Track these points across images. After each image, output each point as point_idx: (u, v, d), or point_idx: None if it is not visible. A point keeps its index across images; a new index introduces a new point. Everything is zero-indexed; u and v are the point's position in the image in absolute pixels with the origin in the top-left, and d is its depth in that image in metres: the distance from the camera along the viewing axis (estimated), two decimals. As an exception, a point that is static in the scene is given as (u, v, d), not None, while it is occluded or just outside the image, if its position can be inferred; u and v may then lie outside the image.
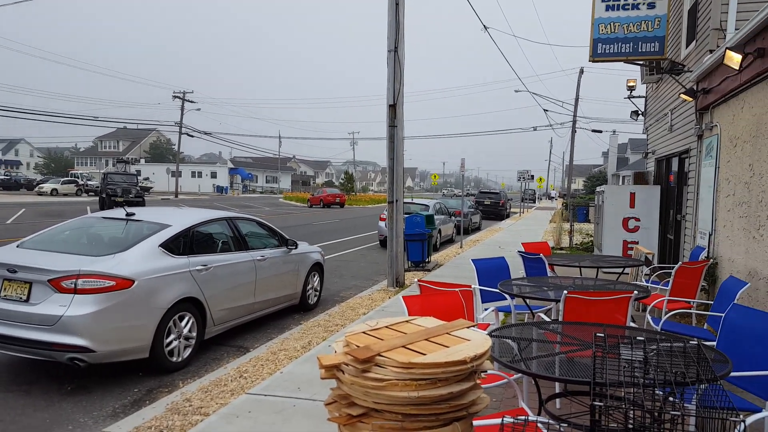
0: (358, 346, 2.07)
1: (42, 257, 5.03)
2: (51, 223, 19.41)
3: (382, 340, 2.15)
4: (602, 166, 60.20)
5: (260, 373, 5.05)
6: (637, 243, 10.50)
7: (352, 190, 65.80)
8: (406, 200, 14.34)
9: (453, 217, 19.37)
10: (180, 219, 6.08)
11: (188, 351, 5.58)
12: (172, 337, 5.36)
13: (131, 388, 5.01)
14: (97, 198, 34.71)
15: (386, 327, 2.32)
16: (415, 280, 5.96)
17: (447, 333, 2.25)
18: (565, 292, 4.01)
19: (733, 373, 2.99)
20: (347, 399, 2.05)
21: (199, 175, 75.60)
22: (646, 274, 7.62)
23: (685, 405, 2.38)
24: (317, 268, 8.42)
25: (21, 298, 4.78)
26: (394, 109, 9.34)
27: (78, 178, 54.26)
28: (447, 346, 2.10)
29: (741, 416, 1.83)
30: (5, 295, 4.85)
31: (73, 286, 4.67)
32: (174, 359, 5.39)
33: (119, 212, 6.28)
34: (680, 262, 6.90)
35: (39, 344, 4.61)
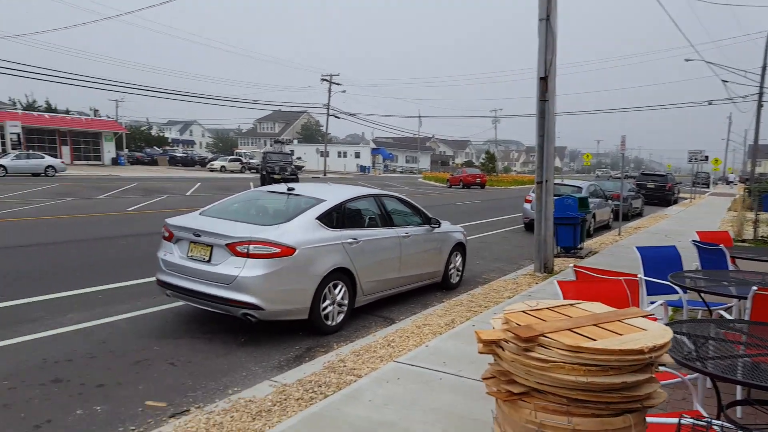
0: (518, 324, 2.02)
1: (220, 224, 5.69)
2: (221, 196, 21.92)
3: (544, 321, 2.07)
4: (793, 146, 51.63)
5: (406, 344, 5.22)
6: (839, 237, 8.84)
7: (493, 170, 64.35)
8: (555, 182, 13.63)
9: (610, 201, 17.93)
10: (333, 195, 6.46)
11: (341, 316, 5.97)
12: (327, 302, 5.77)
13: (293, 345, 5.52)
14: (258, 175, 38.20)
15: (548, 308, 2.23)
16: (570, 266, 5.67)
17: (619, 320, 2.10)
18: (755, 287, 3.53)
19: None
20: (506, 376, 2.02)
21: (344, 155, 79.54)
22: None
23: None
24: (459, 248, 8.41)
25: (204, 258, 5.47)
26: (545, 81, 8.86)
27: (242, 156, 60.13)
28: (620, 334, 1.96)
29: None
30: (191, 256, 5.59)
31: (246, 251, 5.23)
32: (329, 323, 5.82)
33: (281, 187, 6.85)
34: None
35: (219, 299, 5.27)
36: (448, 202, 26.61)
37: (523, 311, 2.20)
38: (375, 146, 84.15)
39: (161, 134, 76.66)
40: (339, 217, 6.19)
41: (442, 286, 8.14)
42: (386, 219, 7.00)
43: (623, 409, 1.90)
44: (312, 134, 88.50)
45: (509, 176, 68.84)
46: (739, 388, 3.43)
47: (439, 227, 7.82)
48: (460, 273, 8.54)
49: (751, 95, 29.17)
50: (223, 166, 52.39)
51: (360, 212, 6.73)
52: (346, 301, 6.02)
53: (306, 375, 4.45)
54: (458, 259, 8.43)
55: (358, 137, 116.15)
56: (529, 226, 14.69)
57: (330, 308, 5.82)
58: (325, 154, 58.62)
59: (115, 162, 50.13)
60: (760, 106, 24.33)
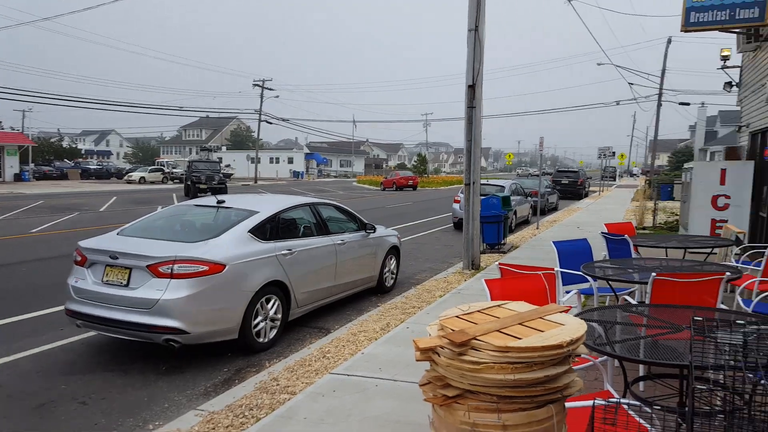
0: (452, 330, 2.09)
1: (141, 244, 5.40)
2: (140, 210, 20.83)
3: (476, 324, 2.15)
4: (689, 140, 56.29)
5: (342, 354, 5.21)
6: (726, 222, 9.83)
7: (424, 172, 65.62)
8: (481, 182, 14.14)
9: (529, 198, 18.90)
10: (266, 206, 6.34)
11: (274, 332, 5.83)
12: (259, 318, 5.62)
13: (221, 368, 5.29)
14: (182, 185, 36.74)
15: (479, 311, 2.32)
16: (493, 263, 5.90)
17: (540, 318, 2.22)
18: (654, 274, 3.85)
19: None
20: (442, 381, 2.08)
21: (277, 161, 78.19)
22: (736, 254, 7.15)
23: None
24: (394, 251, 8.52)
25: (121, 282, 5.16)
26: (473, 89, 9.18)
27: (164, 166, 57.50)
28: (542, 331, 2.07)
29: None
30: (107, 280, 5.24)
31: (169, 271, 4.99)
32: (261, 340, 5.65)
33: (210, 200, 6.64)
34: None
35: (138, 326, 4.95)
36: (381, 205, 26.83)
37: (456, 316, 2.27)
38: (309, 151, 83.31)
39: (73, 145, 71.85)
40: (273, 228, 6.08)
41: (377, 291, 8.21)
42: (322, 227, 6.96)
43: (546, 400, 2.01)
44: (242, 141, 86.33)
45: (439, 177, 70.36)
46: (641, 365, 3.73)
47: (374, 232, 7.88)
48: (394, 276, 8.64)
49: (652, 95, 31.60)
50: (142, 178, 49.90)
51: (295, 222, 6.65)
52: (279, 316, 5.90)
53: (236, 399, 4.27)
54: (393, 263, 8.53)
55: (291, 142, 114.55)
56: (458, 225, 15.12)
57: (262, 324, 5.66)
58: (256, 161, 57.35)
59: (19, 178, 46.31)
60: (659, 105, 26.43)
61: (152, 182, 49.50)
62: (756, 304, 4.78)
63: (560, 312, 2.32)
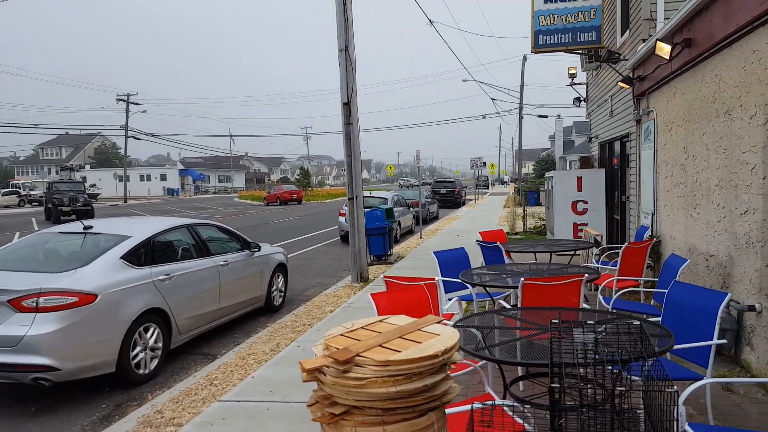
0: (337, 348, 2.19)
1: (0, 277, 4.89)
2: (-6, 238, 18.57)
3: (359, 340, 2.27)
4: (550, 149, 62.05)
5: (230, 380, 5.09)
6: (586, 225, 10.97)
7: (308, 185, 65.31)
8: (365, 194, 14.47)
9: (411, 208, 19.65)
10: (140, 229, 6.01)
11: (155, 362, 5.54)
12: (138, 349, 5.31)
13: (99, 404, 4.95)
14: (42, 208, 33.21)
15: (362, 328, 2.44)
16: (380, 275, 6.11)
17: (419, 329, 2.39)
18: (522, 279, 4.24)
19: (676, 346, 3.27)
20: (329, 399, 2.17)
21: (148, 178, 73.45)
22: (596, 255, 8.01)
23: (633, 379, 2.63)
24: (281, 268, 8.45)
25: (-23, 321, 4.63)
26: (348, 106, 9.42)
27: (20, 188, 51.81)
28: (420, 342, 2.24)
29: (675, 387, 2.06)
30: (-40, 319, 4.68)
31: (34, 305, 4.57)
32: (141, 371, 5.35)
33: (76, 225, 6.14)
34: (627, 243, 7.31)
35: (1, 366, 4.50)
36: (266, 220, 26.28)
37: (341, 334, 2.37)
38: (183, 167, 79.11)
39: None
40: (148, 253, 5.77)
41: (266, 310, 8.09)
42: (202, 249, 6.71)
43: (427, 408, 2.17)
44: (108, 158, 79.89)
45: (324, 190, 70.56)
46: (519, 366, 4.08)
47: (258, 251, 7.76)
48: (283, 294, 8.56)
49: (514, 109, 34.43)
50: (-6, 201, 44.39)
51: (172, 245, 6.35)
52: (160, 344, 5.60)
53: (118, 436, 4.05)
54: (280, 280, 8.45)
55: (163, 158, 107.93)
56: (345, 238, 15.30)
57: (141, 355, 5.36)
58: (125, 179, 53.33)
59: None
60: (521, 117, 28.90)
61: (7, 206, 44.32)
62: (615, 301, 5.26)
63: (436, 323, 2.52)
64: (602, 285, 6.44)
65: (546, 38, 10.15)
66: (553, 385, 2.19)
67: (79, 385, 5.22)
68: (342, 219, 16.36)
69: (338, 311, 7.62)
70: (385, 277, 4.85)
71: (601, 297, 5.83)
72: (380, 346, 2.22)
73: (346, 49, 9.29)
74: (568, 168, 39.04)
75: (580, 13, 10.05)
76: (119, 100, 50.38)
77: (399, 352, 2.16)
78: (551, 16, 10.08)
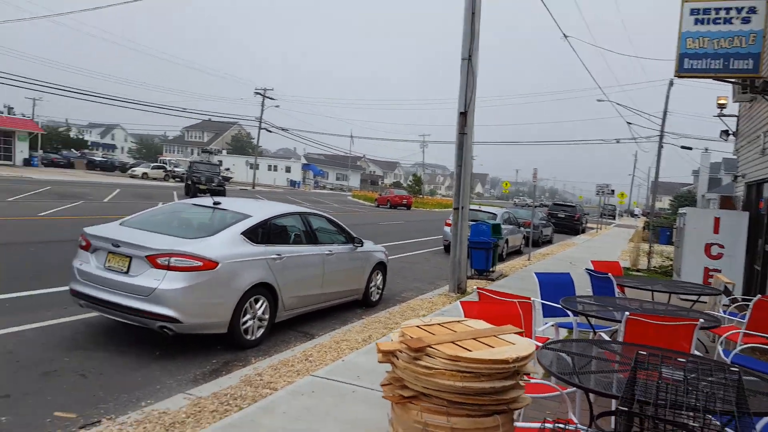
0: (411, 337, 2.37)
1: (141, 235, 5.70)
2: (141, 204, 21.17)
3: (433, 334, 2.43)
4: (692, 185, 56.86)
5: (323, 359, 5.47)
6: (719, 271, 9.96)
7: (419, 192, 66.18)
8: (473, 207, 14.43)
9: (522, 228, 19.17)
10: (260, 211, 6.63)
11: (261, 331, 6.11)
12: (247, 317, 5.90)
13: (210, 359, 5.59)
14: (183, 184, 37.04)
15: (438, 324, 2.59)
16: (476, 287, 6.13)
17: (494, 335, 2.50)
18: (627, 313, 4.04)
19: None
20: (400, 382, 2.35)
21: (275, 168, 78.76)
22: (724, 305, 7.29)
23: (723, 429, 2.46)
24: (381, 267, 8.78)
25: (122, 269, 5.45)
26: (464, 116, 9.53)
27: (166, 164, 58.04)
28: (492, 347, 2.35)
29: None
30: (109, 266, 5.55)
31: (166, 263, 5.29)
32: (248, 337, 5.94)
33: (208, 201, 6.93)
34: (759, 295, 6.57)
35: (135, 311, 5.27)
36: (375, 221, 27.12)
37: (417, 326, 2.55)
38: (306, 162, 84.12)
39: (80, 136, 72.36)
40: (264, 233, 6.37)
41: (363, 304, 8.46)
42: (311, 236, 7.24)
43: (493, 410, 2.27)
44: (242, 146, 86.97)
45: (434, 199, 70.86)
46: (613, 400, 3.89)
47: (362, 246, 8.16)
48: (380, 291, 8.89)
49: (653, 136, 32.08)
50: (145, 173, 50.31)
51: (285, 229, 6.93)
52: (267, 316, 6.17)
53: (222, 388, 4.57)
54: (379, 278, 8.79)
55: (289, 152, 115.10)
56: (449, 249, 15.38)
57: (250, 323, 5.95)
58: (255, 167, 57.80)
59: (28, 163, 46.81)
60: (660, 147, 26.90)
61: (154, 178, 49.87)
62: (735, 355, 4.76)
63: (514, 333, 2.60)
64: (723, 336, 5.80)
65: (693, 62, 9.39)
66: (621, 408, 2.18)
67: (196, 340, 5.91)
68: (447, 229, 16.41)
69: (430, 316, 7.74)
70: (478, 289, 4.92)
71: (720, 349, 5.23)
72: (453, 342, 2.36)
73: (469, 59, 9.40)
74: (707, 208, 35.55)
75: (736, 38, 9.15)
76: (257, 93, 54.71)
77: (470, 351, 2.29)
78: (701, 39, 9.31)
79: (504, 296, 4.67)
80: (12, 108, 61.70)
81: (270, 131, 55.48)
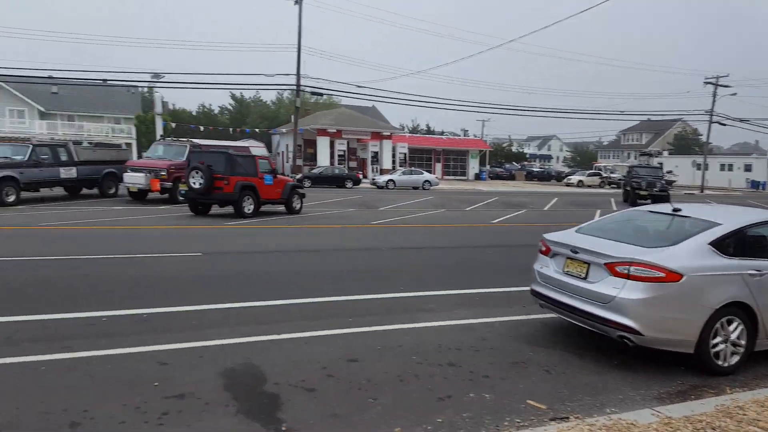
0: None
1: (598, 242, 5.72)
2: (580, 212, 21.83)
3: None
4: None
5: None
6: None
7: None
8: None
9: None
10: (731, 218, 5.72)
11: (735, 358, 5.23)
12: (718, 339, 5.15)
13: (674, 378, 5.13)
14: (620, 190, 36.16)
15: None
16: None
17: None
18: None
19: None
20: None
21: (729, 168, 67.09)
22: None
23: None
24: None
25: (580, 275, 5.60)
26: None
27: (601, 170, 57.91)
28: None
29: None
30: (567, 271, 5.80)
31: (626, 272, 5.12)
32: (719, 362, 5.18)
33: (665, 207, 6.44)
34: None
35: (595, 318, 5.31)
36: None
37: None
38: (780, 156, 67.94)
39: (520, 150, 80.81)
40: (738, 243, 5.43)
41: None
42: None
43: None
44: (687, 145, 78.45)
45: None
46: None
47: None
48: None
49: None
50: (580, 181, 51.62)
51: (765, 239, 5.73)
52: (743, 342, 5.22)
53: (694, 413, 4.11)
54: None
55: (748, 146, 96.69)
56: None
57: (722, 346, 5.16)
58: (703, 168, 51.20)
59: (478, 177, 55.58)
60: None
61: (589, 186, 50.55)
62: None
63: None
64: None
65: None
66: None
67: (655, 355, 5.51)
68: None
69: None
70: None
71: None
72: None
73: None
74: None
75: None
76: (707, 83, 48.15)
77: None
78: None
79: None
80: (467, 130, 74.62)
81: (723, 124, 48.00)
